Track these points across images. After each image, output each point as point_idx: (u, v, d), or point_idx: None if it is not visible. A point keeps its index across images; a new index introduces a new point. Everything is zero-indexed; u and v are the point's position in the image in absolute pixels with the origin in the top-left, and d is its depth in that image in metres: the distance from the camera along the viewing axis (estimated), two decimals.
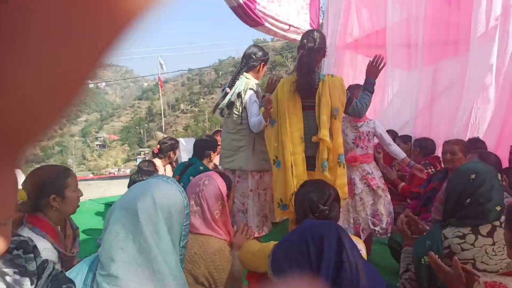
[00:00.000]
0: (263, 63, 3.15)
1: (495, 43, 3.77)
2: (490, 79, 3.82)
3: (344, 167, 2.69)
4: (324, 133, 2.60)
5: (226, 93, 3.12)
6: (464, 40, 4.15)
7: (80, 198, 1.92)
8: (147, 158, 4.73)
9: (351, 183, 2.94)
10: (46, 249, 1.60)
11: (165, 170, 4.09)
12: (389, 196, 3.02)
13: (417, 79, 4.71)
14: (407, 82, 4.85)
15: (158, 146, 4.12)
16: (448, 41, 4.47)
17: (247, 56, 3.14)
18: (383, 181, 3.04)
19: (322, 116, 2.62)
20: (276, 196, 2.76)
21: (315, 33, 2.75)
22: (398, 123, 4.86)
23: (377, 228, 2.91)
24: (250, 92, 3.02)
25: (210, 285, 1.79)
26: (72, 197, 1.82)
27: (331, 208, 1.62)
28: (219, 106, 3.20)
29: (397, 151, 3.12)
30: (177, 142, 4.18)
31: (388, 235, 2.92)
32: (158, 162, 3.99)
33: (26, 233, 1.59)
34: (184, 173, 3.27)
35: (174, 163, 4.27)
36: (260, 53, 3.12)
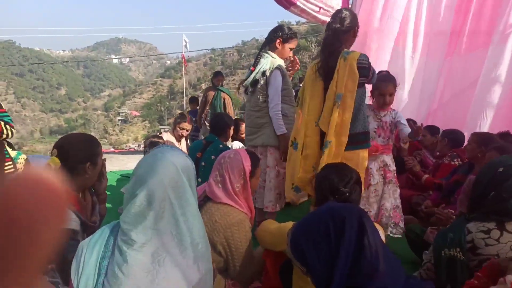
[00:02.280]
0: (279, 39, 3.04)
1: None
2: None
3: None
4: (322, 120, 2.51)
5: (251, 71, 3.09)
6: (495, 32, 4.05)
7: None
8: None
9: (367, 173, 2.87)
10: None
11: (180, 145, 4.17)
12: (398, 191, 2.94)
13: (445, 70, 4.60)
14: (434, 72, 4.72)
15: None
16: (480, 32, 4.33)
17: (269, 32, 3.11)
18: (395, 174, 2.95)
19: (327, 100, 2.51)
20: (289, 177, 2.73)
21: (344, 12, 2.62)
22: (422, 111, 4.77)
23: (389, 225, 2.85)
24: (276, 73, 2.96)
25: (227, 256, 1.82)
26: (99, 164, 1.85)
27: (351, 190, 1.61)
28: (243, 84, 3.18)
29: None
30: (184, 117, 4.22)
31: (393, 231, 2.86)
32: (169, 136, 4.08)
33: None
34: (205, 152, 3.29)
35: (186, 138, 4.39)
36: (280, 31, 3.06)
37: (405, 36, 4.75)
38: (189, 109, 7.90)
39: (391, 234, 2.79)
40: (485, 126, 3.97)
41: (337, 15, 2.62)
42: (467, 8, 4.40)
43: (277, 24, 3.35)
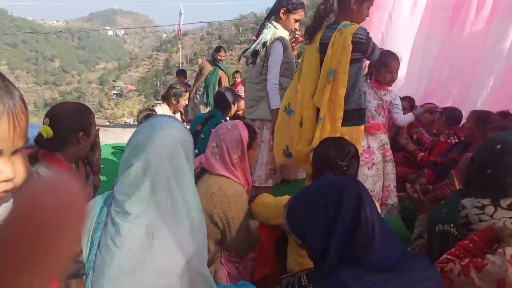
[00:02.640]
0: (284, 9, 2.92)
1: None
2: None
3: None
4: (316, 96, 2.43)
5: (254, 41, 3.00)
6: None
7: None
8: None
9: (369, 151, 2.84)
10: None
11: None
12: (394, 169, 2.96)
13: (446, 46, 4.54)
14: (435, 48, 4.66)
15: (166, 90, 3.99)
16: (483, 6, 4.25)
17: (275, 1, 2.99)
18: (391, 152, 2.97)
19: (322, 76, 2.41)
20: (282, 142, 2.68)
21: None
22: (421, 89, 4.74)
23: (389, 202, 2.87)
24: (277, 44, 2.86)
25: (224, 227, 1.82)
26: (93, 134, 1.82)
27: (349, 164, 1.60)
28: (244, 54, 3.11)
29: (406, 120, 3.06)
30: (184, 91, 4.01)
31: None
32: (165, 108, 3.88)
33: (42, 171, 1.60)
34: (205, 125, 3.26)
35: (182, 112, 4.20)
36: (285, 0, 2.92)
37: (405, 10, 4.65)
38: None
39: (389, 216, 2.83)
40: (485, 104, 3.95)
41: None
42: None
43: None
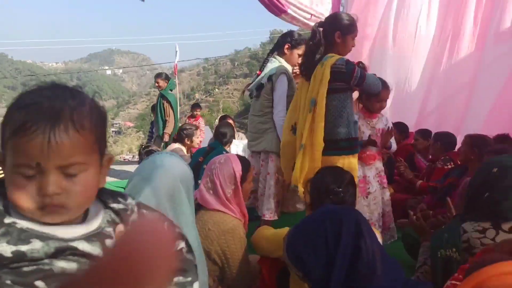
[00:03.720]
0: (288, 45, 3.03)
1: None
2: (510, 76, 3.79)
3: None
4: (299, 126, 2.51)
5: (258, 75, 3.10)
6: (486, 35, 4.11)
7: None
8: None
9: (365, 181, 2.85)
10: None
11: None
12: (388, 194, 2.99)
13: (437, 73, 4.64)
14: (426, 76, 4.76)
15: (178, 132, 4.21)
16: (471, 35, 4.38)
17: (279, 37, 3.15)
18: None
19: (305, 104, 2.49)
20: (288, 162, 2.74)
21: (320, 23, 2.60)
22: (413, 117, 4.80)
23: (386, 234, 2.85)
24: (283, 77, 2.94)
25: (222, 264, 1.79)
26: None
27: (345, 190, 1.63)
28: (249, 88, 3.21)
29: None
30: (195, 129, 4.24)
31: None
32: (177, 147, 4.06)
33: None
34: (206, 157, 3.30)
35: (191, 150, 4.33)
36: (290, 36, 3.06)
37: (393, 39, 4.80)
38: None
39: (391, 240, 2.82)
40: (478, 128, 3.99)
41: (313, 29, 2.60)
42: (457, 11, 4.44)
43: (269, 34, 3.45)
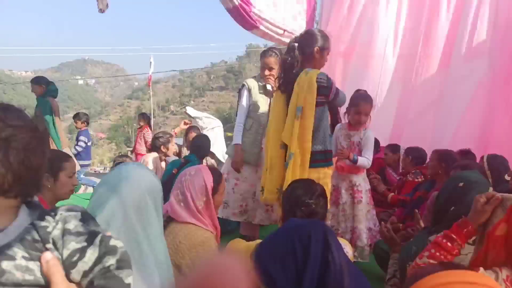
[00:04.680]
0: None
1: (482, 59, 3.92)
2: (476, 93, 3.98)
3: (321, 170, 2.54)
4: (284, 133, 2.53)
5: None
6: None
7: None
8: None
9: (337, 191, 2.89)
10: None
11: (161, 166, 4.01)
12: (373, 211, 2.94)
13: (408, 90, 4.80)
14: (396, 93, 4.91)
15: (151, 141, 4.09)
16: (440, 53, 4.57)
17: None
18: (369, 194, 2.95)
19: (289, 114, 2.53)
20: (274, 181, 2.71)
21: (296, 39, 2.66)
22: (386, 132, 4.92)
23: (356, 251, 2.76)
24: (242, 90, 3.29)
25: None
26: (65, 181, 1.84)
27: (316, 202, 1.67)
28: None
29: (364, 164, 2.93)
30: (170, 136, 4.11)
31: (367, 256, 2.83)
32: (151, 157, 3.94)
33: None
34: (180, 170, 3.23)
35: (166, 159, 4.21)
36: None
37: (364, 57, 4.95)
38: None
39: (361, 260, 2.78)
40: (446, 143, 4.13)
41: (288, 46, 2.68)
42: (426, 31, 4.64)
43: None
